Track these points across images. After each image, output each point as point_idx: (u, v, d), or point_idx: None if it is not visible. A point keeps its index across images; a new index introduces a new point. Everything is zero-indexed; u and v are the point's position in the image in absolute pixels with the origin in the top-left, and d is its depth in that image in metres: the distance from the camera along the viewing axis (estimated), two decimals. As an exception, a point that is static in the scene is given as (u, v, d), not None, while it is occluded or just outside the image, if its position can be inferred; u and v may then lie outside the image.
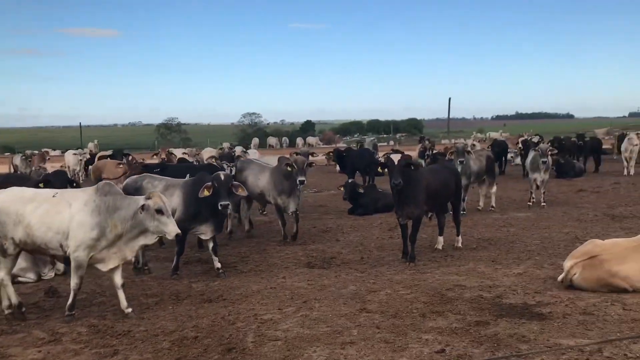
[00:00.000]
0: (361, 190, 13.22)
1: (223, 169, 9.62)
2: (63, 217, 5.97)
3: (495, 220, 11.50)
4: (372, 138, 66.87)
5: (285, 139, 49.92)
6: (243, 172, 10.98)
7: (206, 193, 7.52)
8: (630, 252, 6.32)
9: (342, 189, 13.33)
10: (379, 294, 6.67)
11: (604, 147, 30.19)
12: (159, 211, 5.99)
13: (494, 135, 38.81)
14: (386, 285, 7.04)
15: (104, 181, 6.57)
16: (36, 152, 27.75)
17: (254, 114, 73.62)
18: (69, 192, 6.49)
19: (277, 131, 67.72)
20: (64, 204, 6.03)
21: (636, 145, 19.99)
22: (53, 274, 8.08)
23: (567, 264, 6.59)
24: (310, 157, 13.80)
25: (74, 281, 6.05)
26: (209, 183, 7.58)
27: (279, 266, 8.44)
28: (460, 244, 9.19)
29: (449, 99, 30.37)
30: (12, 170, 25.57)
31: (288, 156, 10.89)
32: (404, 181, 7.83)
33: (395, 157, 7.93)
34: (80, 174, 23.71)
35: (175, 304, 6.66)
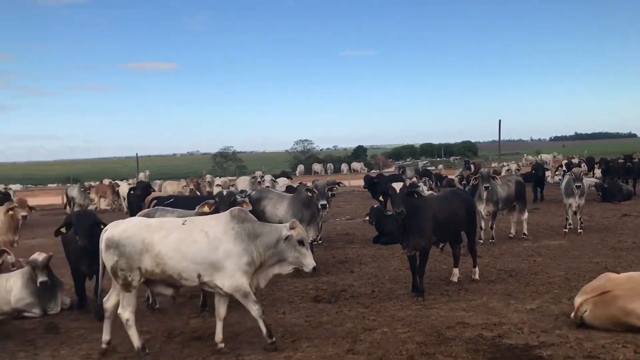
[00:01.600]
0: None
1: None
2: (200, 246, 5.69)
3: (525, 249, 10.87)
4: (425, 162, 66.21)
5: (330, 165, 49.86)
6: (261, 202, 10.83)
7: (206, 209, 7.54)
8: (647, 287, 5.74)
9: (367, 218, 13.08)
10: (374, 332, 6.30)
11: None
12: (301, 242, 5.88)
13: (546, 157, 37.49)
14: (385, 323, 6.66)
15: (237, 207, 6.34)
16: (93, 183, 27.93)
17: (306, 140, 74.37)
18: (198, 219, 6.15)
19: (329, 157, 67.97)
20: (198, 232, 5.77)
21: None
22: (59, 309, 8.07)
23: (578, 300, 6.06)
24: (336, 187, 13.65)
25: (253, 309, 5.77)
26: (210, 201, 7.72)
27: (284, 300, 8.17)
28: (477, 276, 8.67)
29: (499, 121, 30.11)
30: (66, 202, 26.10)
31: (309, 184, 10.69)
32: (407, 210, 7.45)
33: (398, 185, 7.55)
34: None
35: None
